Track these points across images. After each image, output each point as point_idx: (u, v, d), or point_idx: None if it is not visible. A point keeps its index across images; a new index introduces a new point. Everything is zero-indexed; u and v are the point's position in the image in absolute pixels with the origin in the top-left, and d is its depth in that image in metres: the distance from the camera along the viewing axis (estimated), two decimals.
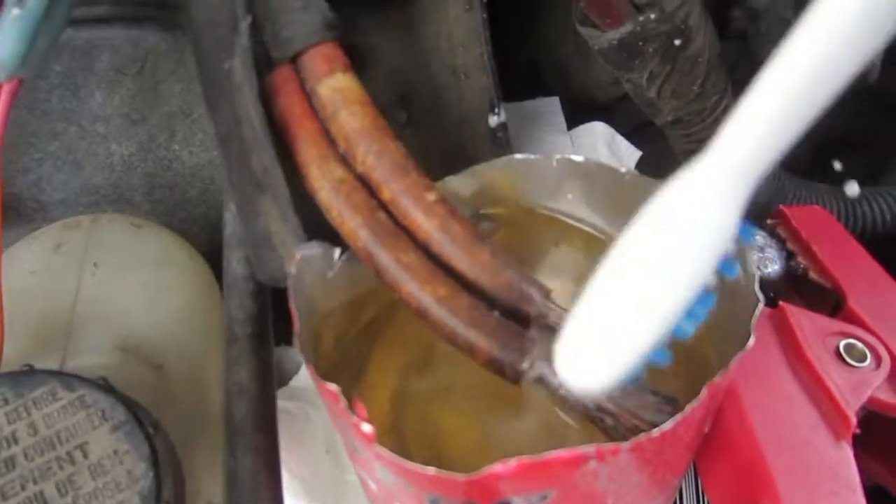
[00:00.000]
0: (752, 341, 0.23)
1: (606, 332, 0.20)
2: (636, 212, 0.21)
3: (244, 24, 0.27)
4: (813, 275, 0.39)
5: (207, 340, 0.39)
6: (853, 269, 0.38)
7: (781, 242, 0.42)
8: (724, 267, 0.21)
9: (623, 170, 0.31)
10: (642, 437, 0.20)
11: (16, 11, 0.29)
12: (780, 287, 0.42)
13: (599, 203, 0.33)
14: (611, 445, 0.20)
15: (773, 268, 0.40)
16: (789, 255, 0.41)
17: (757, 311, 0.24)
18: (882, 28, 0.18)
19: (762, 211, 0.46)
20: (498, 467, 0.20)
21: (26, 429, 0.29)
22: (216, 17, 0.27)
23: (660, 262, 0.20)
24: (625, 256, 0.21)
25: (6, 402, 0.30)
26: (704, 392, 0.21)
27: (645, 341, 0.20)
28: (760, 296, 0.25)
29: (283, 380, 0.46)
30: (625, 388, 0.25)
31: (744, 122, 0.19)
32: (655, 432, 0.20)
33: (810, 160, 0.66)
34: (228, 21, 0.27)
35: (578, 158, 0.31)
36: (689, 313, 0.20)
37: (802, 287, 0.40)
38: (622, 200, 0.32)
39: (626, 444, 0.20)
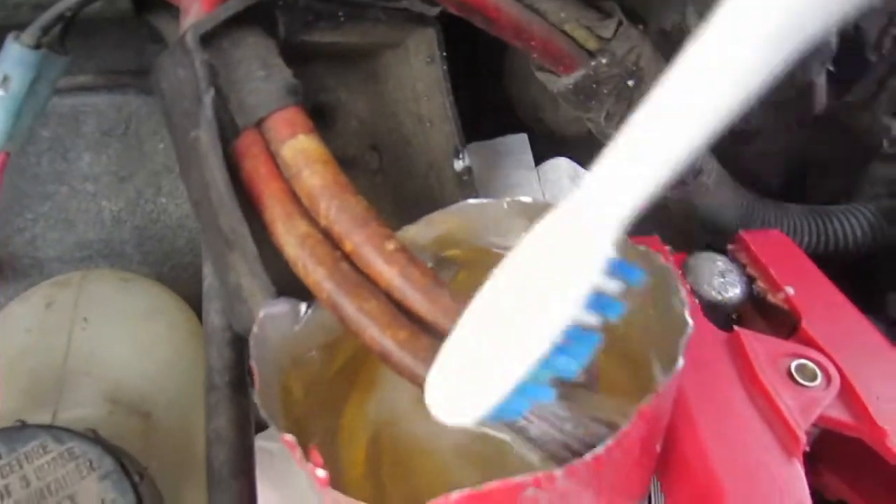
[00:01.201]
0: (680, 363, 0.25)
1: (470, 366, 0.21)
2: None
3: (207, 97, 0.29)
4: (771, 298, 0.41)
5: (194, 389, 0.41)
6: (809, 291, 0.39)
7: (742, 267, 0.44)
8: (604, 308, 0.21)
9: None
10: (575, 462, 0.22)
11: (1, 94, 0.32)
12: (743, 310, 0.43)
13: None
14: (545, 472, 0.21)
15: (734, 291, 0.42)
16: (750, 280, 0.43)
17: (685, 336, 0.26)
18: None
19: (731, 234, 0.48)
20: (440, 501, 0.21)
21: (19, 481, 0.31)
22: (182, 91, 0.30)
23: (520, 297, 0.21)
24: (490, 293, 0.22)
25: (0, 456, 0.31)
26: (634, 416, 0.22)
27: (508, 375, 0.20)
28: (689, 320, 0.26)
29: (266, 421, 0.47)
30: (573, 418, 0.27)
31: (603, 167, 0.20)
32: (588, 457, 0.22)
33: (782, 182, 0.68)
34: (193, 94, 0.29)
35: (527, 200, 0.33)
36: (570, 352, 0.21)
37: (763, 310, 0.42)
38: None
39: (559, 471, 0.21)
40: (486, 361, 0.21)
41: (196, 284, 0.55)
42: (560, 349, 0.21)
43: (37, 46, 0.31)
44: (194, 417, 0.40)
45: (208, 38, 0.30)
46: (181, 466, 0.38)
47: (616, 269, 0.21)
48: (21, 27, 0.32)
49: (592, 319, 0.21)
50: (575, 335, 0.21)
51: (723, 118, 0.19)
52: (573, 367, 0.21)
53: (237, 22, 0.31)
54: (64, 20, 0.31)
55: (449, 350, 0.23)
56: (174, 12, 0.36)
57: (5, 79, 0.31)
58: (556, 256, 0.21)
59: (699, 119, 0.19)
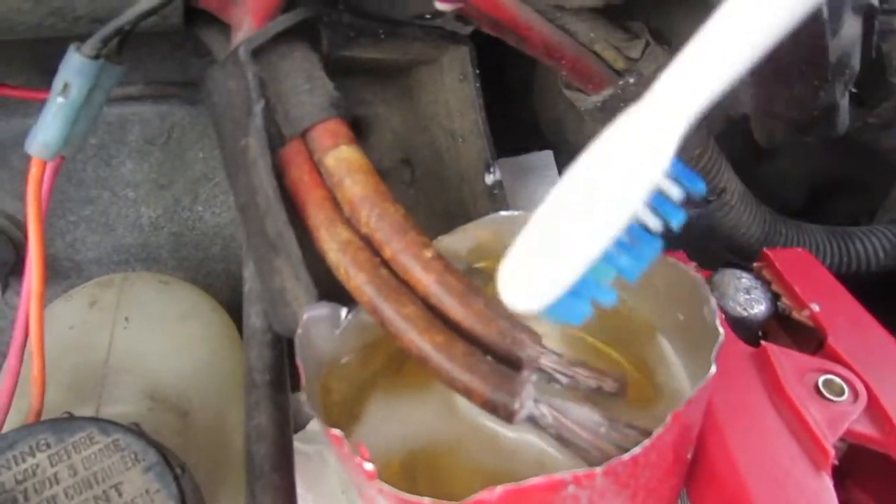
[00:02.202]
0: (713, 370, 0.26)
1: (538, 249, 0.23)
2: None
3: (257, 107, 0.30)
4: (796, 315, 0.41)
5: (229, 388, 0.42)
6: (834, 308, 0.40)
7: (767, 284, 0.44)
8: (667, 212, 0.23)
9: None
10: (614, 461, 0.23)
11: (60, 100, 0.34)
12: (769, 326, 0.44)
13: None
14: (586, 470, 0.22)
15: (759, 308, 0.43)
16: (775, 296, 0.43)
17: (717, 344, 0.27)
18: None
19: (753, 253, 0.48)
20: (484, 495, 0.22)
21: (67, 470, 0.32)
22: (233, 101, 0.31)
23: (588, 191, 0.23)
24: (561, 192, 0.23)
25: (49, 446, 0.33)
26: (669, 419, 0.23)
27: (575, 259, 0.22)
28: (720, 330, 0.27)
29: (300, 424, 0.49)
30: (608, 423, 0.28)
31: (665, 78, 0.22)
32: (626, 456, 0.23)
33: (804, 202, 0.69)
34: (244, 105, 0.31)
35: None
36: (634, 254, 0.23)
37: (788, 326, 0.42)
38: None
39: (599, 469, 0.22)
40: (556, 249, 0.23)
41: (228, 289, 0.57)
42: (625, 249, 0.23)
43: (96, 57, 0.33)
44: (229, 416, 0.41)
45: (258, 52, 0.32)
46: (217, 463, 0.39)
47: (679, 176, 0.23)
48: (80, 38, 0.34)
49: (656, 223, 0.22)
50: (639, 237, 0.23)
51: (772, 32, 0.21)
52: (636, 268, 0.23)
53: (285, 37, 0.33)
54: (122, 33, 0.33)
55: (522, 238, 0.24)
56: (221, 27, 0.37)
57: (66, 87, 0.33)
58: (625, 152, 0.22)
59: (751, 33, 0.21)
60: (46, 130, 0.34)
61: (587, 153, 0.24)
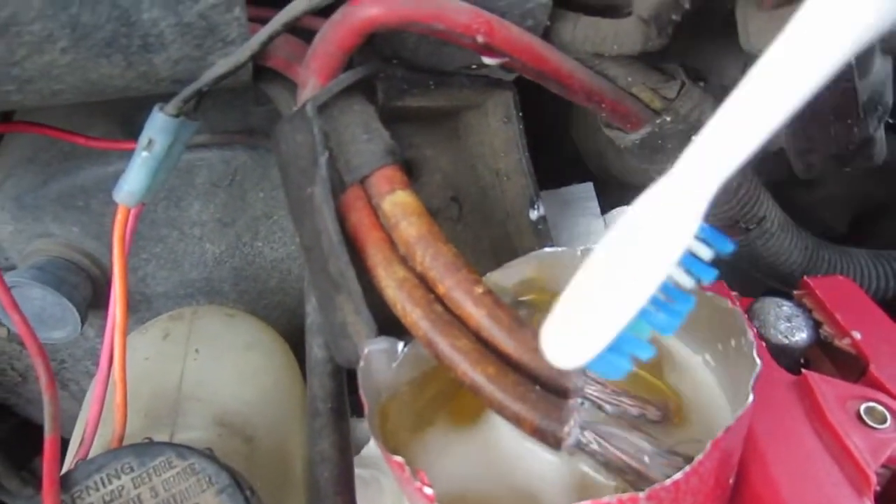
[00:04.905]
0: (750, 399, 0.27)
1: (578, 312, 0.25)
2: None
3: (323, 158, 0.33)
4: (838, 342, 0.42)
5: (290, 414, 0.45)
6: (876, 336, 0.41)
7: (808, 312, 0.45)
8: (699, 272, 0.25)
9: None
10: (656, 486, 0.24)
11: (145, 154, 0.37)
12: (812, 354, 0.45)
13: None
14: (630, 494, 0.24)
15: (801, 336, 0.43)
16: (816, 324, 0.44)
17: (754, 374, 0.28)
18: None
19: (795, 280, 0.49)
20: None
21: (149, 492, 0.35)
22: (300, 153, 0.34)
23: (622, 259, 0.25)
24: (597, 259, 0.26)
25: (132, 469, 0.36)
26: (709, 447, 0.25)
27: (613, 321, 0.24)
28: (758, 360, 0.29)
29: (356, 448, 0.51)
30: (652, 449, 0.29)
31: (692, 153, 0.25)
32: (668, 482, 0.24)
33: (846, 227, 0.69)
34: (310, 156, 0.34)
35: None
36: (670, 311, 0.25)
37: (831, 354, 0.43)
38: None
39: (643, 493, 0.24)
40: (594, 312, 0.25)
41: (284, 319, 0.60)
42: (660, 306, 0.25)
43: (177, 115, 0.37)
44: (290, 441, 0.44)
45: (322, 108, 0.35)
46: (280, 487, 0.41)
47: (709, 238, 0.25)
48: (162, 98, 0.38)
49: (688, 282, 0.25)
50: (674, 295, 0.25)
51: (786, 112, 0.24)
52: (671, 325, 0.25)
53: (345, 92, 0.36)
54: (200, 94, 0.36)
55: (563, 302, 0.27)
56: (285, 82, 0.41)
57: (150, 142, 0.37)
58: (655, 224, 0.25)
59: (767, 115, 0.24)
60: (132, 181, 0.38)
61: (620, 222, 0.26)
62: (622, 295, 0.25)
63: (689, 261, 0.25)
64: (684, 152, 0.25)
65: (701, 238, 0.25)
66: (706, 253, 0.25)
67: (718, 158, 0.25)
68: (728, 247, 0.25)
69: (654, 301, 0.25)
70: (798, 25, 0.23)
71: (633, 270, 0.25)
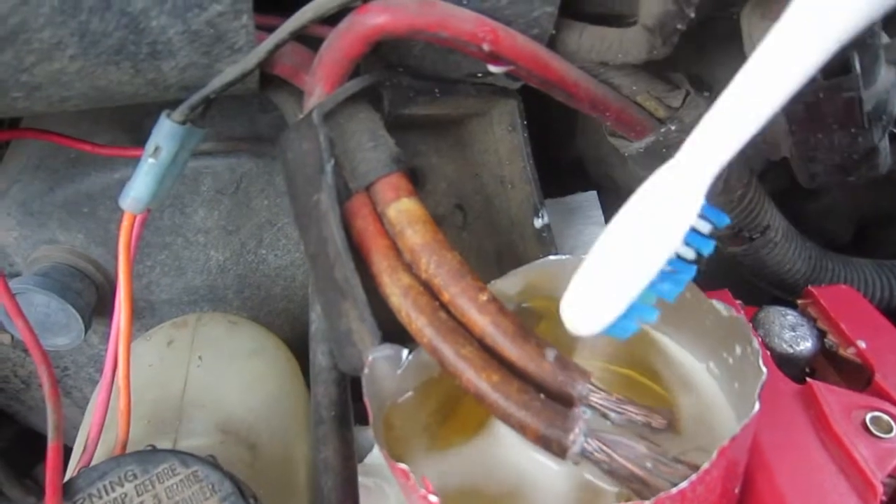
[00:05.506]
0: (756, 408, 0.27)
1: (596, 284, 0.28)
2: None
3: (328, 165, 0.33)
4: (843, 352, 0.42)
5: (293, 422, 0.45)
6: (881, 345, 0.41)
7: (813, 321, 0.45)
8: (698, 244, 0.28)
9: None
10: (662, 494, 0.24)
11: (151, 161, 0.37)
12: (817, 363, 0.45)
13: None
14: (636, 502, 0.24)
15: (806, 345, 0.43)
16: (821, 333, 0.44)
17: (760, 383, 0.28)
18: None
19: (800, 289, 0.49)
20: None
21: (152, 499, 0.35)
22: (306, 160, 0.34)
23: (634, 233, 0.28)
24: (609, 234, 0.29)
25: (135, 476, 0.36)
26: (714, 456, 0.25)
27: (627, 291, 0.27)
28: (763, 368, 0.29)
29: (360, 456, 0.51)
30: (657, 458, 0.29)
31: (693, 137, 0.27)
32: (674, 490, 0.24)
33: (850, 236, 0.69)
34: (316, 163, 0.34)
35: None
36: (672, 279, 0.28)
37: (836, 364, 0.43)
38: None
39: (649, 502, 0.24)
40: (609, 283, 0.28)
41: (288, 326, 0.60)
42: (665, 277, 0.28)
43: (184, 122, 0.37)
44: (294, 448, 0.44)
45: (328, 116, 0.35)
46: (283, 495, 0.41)
47: (706, 213, 0.28)
48: (168, 105, 0.38)
49: (690, 253, 0.28)
50: (677, 265, 0.28)
51: (784, 97, 0.26)
52: (674, 292, 0.28)
53: (351, 100, 0.36)
54: (207, 101, 0.37)
55: (579, 276, 0.29)
56: (291, 90, 0.41)
57: (157, 149, 0.37)
58: (661, 204, 0.28)
59: (767, 99, 0.26)
60: (138, 188, 0.38)
61: (631, 203, 0.29)
62: (635, 267, 0.28)
63: (690, 235, 0.28)
64: (688, 138, 0.28)
65: (700, 214, 0.28)
66: (705, 227, 0.28)
67: (718, 142, 0.27)
68: (724, 220, 0.28)
69: (660, 271, 0.28)
70: (788, 18, 0.25)
71: (643, 245, 0.27)
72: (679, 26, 0.37)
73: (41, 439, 0.36)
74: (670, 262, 0.28)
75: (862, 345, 0.41)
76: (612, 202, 0.66)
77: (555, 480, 0.35)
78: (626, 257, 0.28)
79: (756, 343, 0.30)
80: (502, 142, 0.47)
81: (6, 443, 0.70)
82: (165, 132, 0.37)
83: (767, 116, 0.26)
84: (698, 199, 0.27)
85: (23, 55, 0.32)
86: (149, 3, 0.31)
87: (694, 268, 0.28)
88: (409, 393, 0.36)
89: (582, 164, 0.72)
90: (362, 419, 0.42)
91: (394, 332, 0.34)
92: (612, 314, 0.28)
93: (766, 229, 0.53)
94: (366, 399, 0.31)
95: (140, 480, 0.36)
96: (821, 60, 0.25)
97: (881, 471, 0.33)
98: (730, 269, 0.54)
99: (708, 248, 0.28)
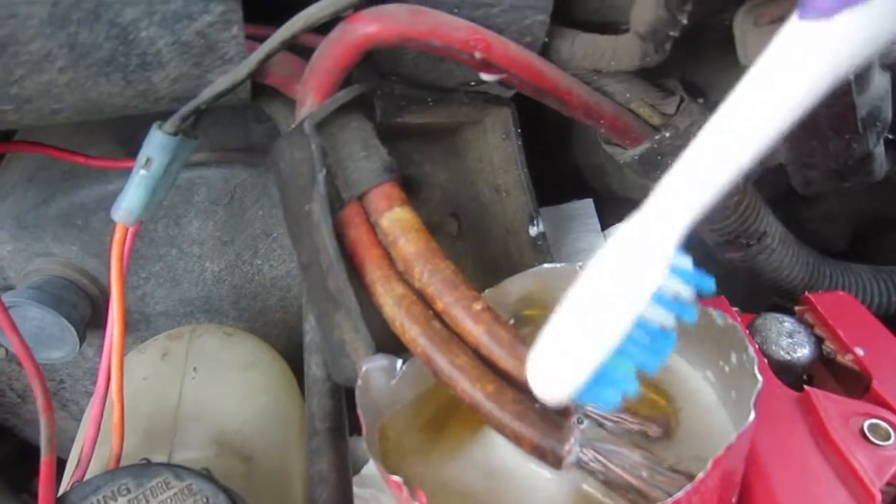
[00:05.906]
0: (751, 417, 0.27)
1: (560, 351, 0.26)
2: None
3: (321, 175, 0.33)
4: (840, 358, 0.42)
5: (289, 433, 0.44)
6: (879, 351, 0.40)
7: (810, 328, 0.45)
8: (679, 310, 0.25)
9: None
10: None
11: (143, 172, 0.37)
12: (815, 370, 0.44)
13: None
14: None
15: (803, 352, 0.43)
16: (819, 340, 0.44)
17: (756, 390, 0.28)
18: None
19: (798, 295, 0.49)
20: None
21: None
22: (298, 170, 0.34)
23: (597, 298, 0.25)
24: (572, 296, 0.27)
25: (129, 490, 0.35)
26: (710, 465, 0.25)
27: (592, 357, 0.25)
28: (759, 377, 0.29)
29: (356, 468, 0.50)
30: (653, 467, 0.29)
31: (656, 197, 0.25)
32: (670, 500, 0.24)
33: (848, 242, 0.69)
34: (308, 173, 0.34)
35: None
36: (653, 349, 0.25)
37: (833, 370, 0.43)
38: None
39: None
40: (573, 346, 0.26)
41: (284, 337, 0.60)
42: (643, 346, 0.25)
43: (175, 133, 0.37)
44: (289, 460, 0.43)
45: (320, 125, 0.35)
46: None
47: (689, 277, 0.25)
48: (160, 116, 0.38)
49: (669, 320, 0.25)
50: (655, 334, 0.25)
51: (756, 150, 0.24)
52: (654, 363, 0.25)
53: (343, 109, 0.36)
54: (198, 112, 0.36)
55: (544, 338, 0.27)
56: (284, 99, 0.41)
57: (148, 160, 0.37)
58: (625, 262, 0.26)
59: (733, 157, 0.24)
60: (130, 199, 0.38)
61: (594, 259, 0.27)
62: (595, 337, 0.25)
63: (669, 301, 0.25)
64: (652, 193, 0.26)
65: (681, 277, 0.25)
66: (686, 293, 0.25)
67: (682, 204, 0.25)
68: (710, 286, 0.25)
69: (635, 341, 0.25)
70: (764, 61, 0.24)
71: (603, 312, 0.25)
72: (671, 33, 0.37)
73: (38, 453, 0.36)
74: (648, 331, 0.25)
75: (860, 352, 0.40)
76: (609, 209, 0.66)
77: (552, 489, 0.35)
78: (582, 323, 0.26)
79: (752, 351, 0.30)
80: (496, 150, 0.46)
81: (3, 457, 0.69)
82: (157, 143, 0.37)
83: (733, 177, 0.24)
84: (663, 261, 0.25)
85: (12, 67, 0.32)
86: (138, 14, 0.31)
87: (673, 337, 0.25)
88: (404, 403, 0.36)
89: (578, 172, 0.72)
90: (358, 430, 0.42)
91: (388, 342, 0.33)
92: (577, 380, 0.25)
93: (763, 236, 0.53)
94: (359, 410, 0.31)
95: (134, 494, 0.35)
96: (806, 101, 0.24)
97: (879, 479, 0.32)
98: (728, 275, 0.54)
99: (691, 315, 0.25)
